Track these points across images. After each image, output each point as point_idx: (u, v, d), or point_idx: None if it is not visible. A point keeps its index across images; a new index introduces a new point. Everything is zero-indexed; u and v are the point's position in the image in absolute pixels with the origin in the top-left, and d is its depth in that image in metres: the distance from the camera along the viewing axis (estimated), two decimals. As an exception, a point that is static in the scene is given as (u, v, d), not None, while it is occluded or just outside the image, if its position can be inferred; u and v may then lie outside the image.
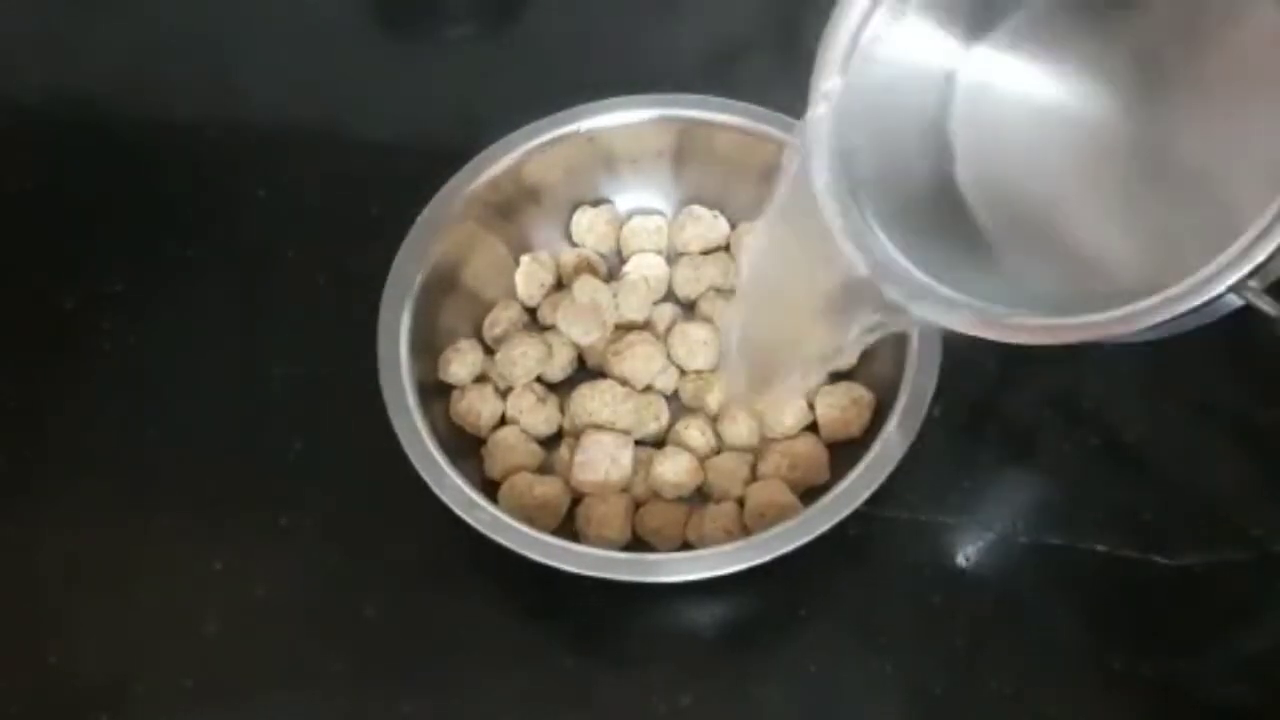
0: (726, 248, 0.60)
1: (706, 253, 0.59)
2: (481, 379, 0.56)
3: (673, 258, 0.60)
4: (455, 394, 0.56)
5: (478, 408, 0.55)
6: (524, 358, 0.56)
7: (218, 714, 0.51)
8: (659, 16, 0.69)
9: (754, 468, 0.54)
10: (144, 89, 0.69)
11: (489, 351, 0.57)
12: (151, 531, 0.55)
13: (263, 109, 0.68)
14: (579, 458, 0.53)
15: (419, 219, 0.57)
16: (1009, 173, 0.47)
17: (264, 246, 0.62)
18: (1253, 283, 0.37)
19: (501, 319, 0.58)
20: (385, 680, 0.51)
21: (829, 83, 0.46)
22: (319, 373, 0.58)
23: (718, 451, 0.55)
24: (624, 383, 0.55)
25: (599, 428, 0.54)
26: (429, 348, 0.56)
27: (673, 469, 0.53)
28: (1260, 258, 0.37)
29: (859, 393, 0.54)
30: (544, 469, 0.55)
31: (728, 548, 0.49)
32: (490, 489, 0.53)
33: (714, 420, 0.55)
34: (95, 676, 0.52)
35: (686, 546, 0.52)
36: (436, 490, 0.50)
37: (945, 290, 0.44)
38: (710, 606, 0.52)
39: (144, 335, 0.60)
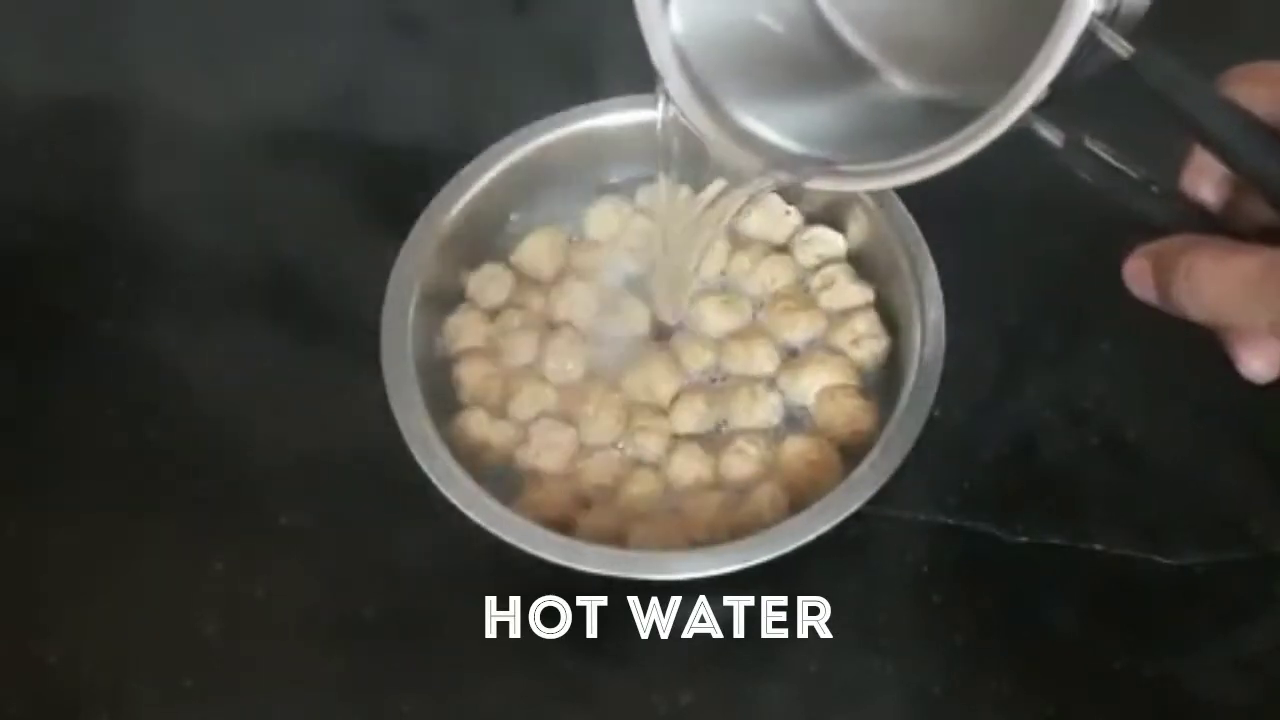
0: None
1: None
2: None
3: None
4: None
5: (461, 325, 0.57)
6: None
7: (218, 714, 0.51)
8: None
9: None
10: (143, 89, 0.69)
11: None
12: (151, 531, 0.55)
13: (263, 109, 0.68)
14: (526, 433, 0.54)
15: (420, 217, 0.57)
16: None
17: (264, 246, 0.62)
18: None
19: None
20: (385, 680, 0.51)
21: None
22: (319, 372, 0.58)
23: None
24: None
25: (561, 421, 0.55)
26: (432, 341, 0.56)
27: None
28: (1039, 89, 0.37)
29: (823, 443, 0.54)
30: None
31: (729, 546, 0.49)
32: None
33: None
34: (95, 676, 0.52)
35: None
36: (453, 499, 0.50)
37: (831, 155, 0.45)
38: (711, 605, 0.52)
39: (144, 335, 0.60)
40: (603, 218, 0.60)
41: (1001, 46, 0.40)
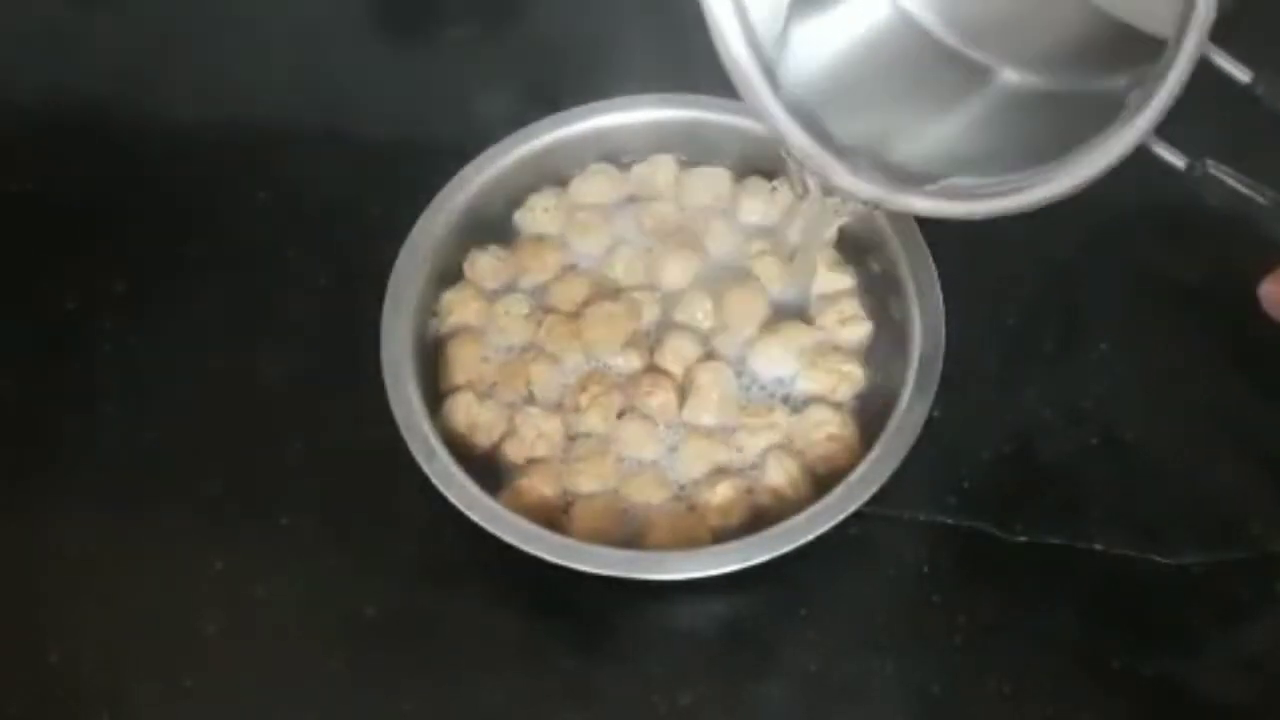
0: None
1: None
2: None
3: None
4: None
5: (454, 303, 0.56)
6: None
7: (218, 714, 0.51)
8: (661, 16, 0.69)
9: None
10: (144, 89, 0.69)
11: None
12: (151, 531, 0.55)
13: (263, 109, 0.68)
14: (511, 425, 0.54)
15: (420, 218, 0.57)
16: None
17: (264, 246, 0.62)
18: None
19: None
20: (385, 680, 0.51)
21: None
22: (319, 373, 0.58)
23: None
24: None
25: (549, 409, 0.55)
26: (432, 342, 0.56)
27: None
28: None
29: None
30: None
31: (728, 546, 0.49)
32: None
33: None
34: (95, 676, 0.52)
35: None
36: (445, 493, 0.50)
37: (954, 179, 0.43)
38: (710, 605, 0.52)
39: (144, 335, 0.60)
40: (598, 186, 0.60)
41: (1115, 27, 0.39)
